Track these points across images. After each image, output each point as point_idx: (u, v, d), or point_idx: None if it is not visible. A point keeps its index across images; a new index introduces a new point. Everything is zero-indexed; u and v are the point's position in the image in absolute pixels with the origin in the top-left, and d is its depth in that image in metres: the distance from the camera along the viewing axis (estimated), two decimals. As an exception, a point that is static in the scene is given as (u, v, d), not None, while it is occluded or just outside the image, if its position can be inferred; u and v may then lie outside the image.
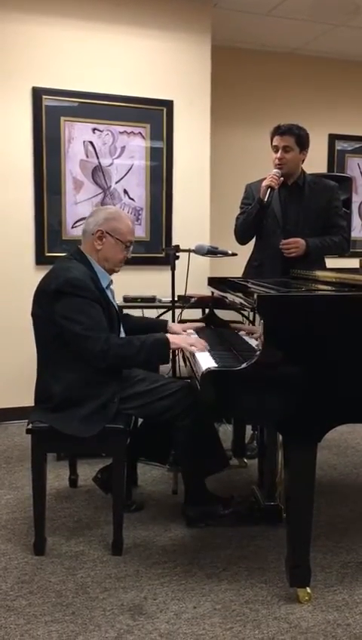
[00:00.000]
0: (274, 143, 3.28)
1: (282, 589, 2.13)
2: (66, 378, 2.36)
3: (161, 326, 2.75)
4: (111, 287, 2.58)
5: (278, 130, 3.25)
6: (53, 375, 2.40)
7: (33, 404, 2.50)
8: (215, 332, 2.95)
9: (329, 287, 2.46)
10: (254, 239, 3.47)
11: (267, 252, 3.36)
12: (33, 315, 2.48)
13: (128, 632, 1.90)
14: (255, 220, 3.31)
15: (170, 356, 2.51)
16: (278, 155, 3.24)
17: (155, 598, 2.09)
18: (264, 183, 3.21)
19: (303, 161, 3.33)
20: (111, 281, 2.58)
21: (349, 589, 2.15)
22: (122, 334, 2.61)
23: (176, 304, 3.12)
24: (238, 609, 2.03)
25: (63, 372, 2.37)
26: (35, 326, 2.48)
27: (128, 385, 2.47)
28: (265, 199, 3.20)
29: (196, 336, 2.67)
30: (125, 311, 2.93)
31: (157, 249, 4.23)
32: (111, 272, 2.57)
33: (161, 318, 3.61)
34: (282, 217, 3.31)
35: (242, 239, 3.45)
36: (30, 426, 2.35)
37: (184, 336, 2.57)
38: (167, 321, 2.84)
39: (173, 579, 2.21)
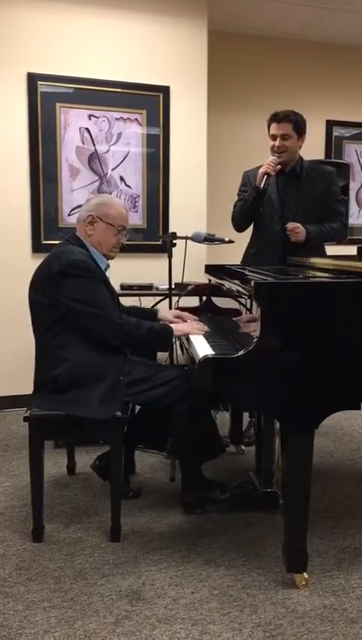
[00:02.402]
0: (271, 132, 3.24)
1: (279, 575, 2.14)
2: (70, 359, 2.37)
3: (152, 314, 2.79)
4: (107, 272, 2.59)
5: (275, 118, 3.22)
6: (55, 358, 2.39)
7: (32, 392, 2.50)
8: (212, 320, 2.95)
9: (327, 275, 2.45)
10: (252, 226, 3.46)
11: (265, 239, 3.35)
12: (32, 301, 2.47)
13: (126, 618, 1.91)
14: (251, 207, 3.29)
15: (171, 345, 2.58)
16: (277, 142, 3.22)
17: (153, 583, 2.10)
18: (261, 170, 3.19)
19: (300, 147, 3.31)
20: (108, 265, 2.60)
21: (346, 574, 2.17)
22: None
23: (174, 292, 3.11)
24: (236, 594, 2.05)
25: (66, 354, 2.38)
26: (34, 312, 2.48)
27: (125, 372, 2.47)
28: (262, 186, 3.18)
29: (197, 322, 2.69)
30: (120, 299, 2.93)
31: (154, 236, 4.21)
32: (106, 257, 2.59)
33: (158, 305, 3.61)
34: (280, 204, 3.30)
35: (239, 226, 3.44)
36: (27, 414, 2.35)
37: (185, 324, 2.60)
38: (158, 310, 2.85)
39: (171, 565, 2.22)
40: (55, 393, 2.37)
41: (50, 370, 2.40)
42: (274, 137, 3.23)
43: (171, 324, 2.55)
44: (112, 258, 2.62)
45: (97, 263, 2.50)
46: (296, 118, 3.22)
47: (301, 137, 3.26)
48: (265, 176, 3.16)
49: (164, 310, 2.85)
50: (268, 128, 3.27)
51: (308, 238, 3.22)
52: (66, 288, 2.35)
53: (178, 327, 2.53)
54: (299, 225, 3.19)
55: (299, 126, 3.23)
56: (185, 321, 2.67)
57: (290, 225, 3.20)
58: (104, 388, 2.35)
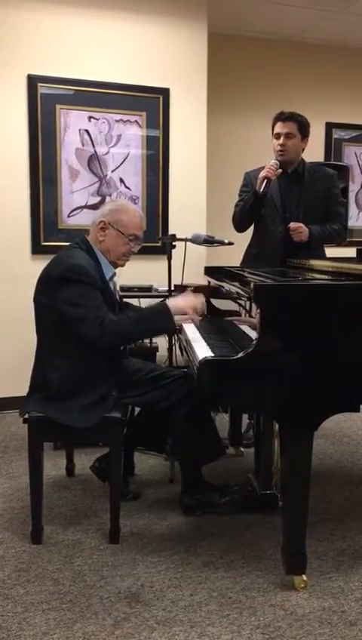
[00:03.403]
0: (276, 130, 3.25)
1: (278, 577, 2.14)
2: (64, 366, 2.36)
3: None
4: (114, 279, 2.57)
5: (281, 117, 3.24)
6: (50, 363, 2.39)
7: (27, 393, 2.49)
8: (212, 321, 2.95)
9: (326, 277, 2.45)
10: (253, 227, 3.46)
11: (266, 240, 3.35)
12: (35, 301, 2.46)
13: (125, 620, 1.91)
14: (251, 209, 3.30)
15: (173, 323, 2.38)
16: (280, 140, 3.23)
17: (152, 585, 2.10)
18: (261, 174, 3.19)
19: (303, 149, 3.32)
20: (115, 273, 2.56)
21: (345, 577, 2.17)
22: None
23: (173, 293, 3.11)
24: (235, 596, 2.04)
25: (61, 360, 2.37)
26: (36, 312, 2.47)
27: (125, 375, 2.47)
28: (261, 190, 3.18)
29: (199, 297, 2.52)
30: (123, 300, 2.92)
31: (154, 238, 4.20)
32: (114, 265, 2.54)
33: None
34: (281, 205, 3.30)
35: (239, 227, 3.45)
36: (27, 416, 2.35)
37: (184, 298, 2.47)
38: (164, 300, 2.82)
39: (170, 567, 2.22)
40: (47, 398, 2.37)
41: (45, 374, 2.40)
42: (278, 136, 3.24)
43: (168, 300, 2.43)
44: (121, 266, 2.57)
45: (102, 272, 2.45)
46: (301, 119, 3.25)
47: (304, 139, 3.28)
48: (265, 181, 3.16)
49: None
50: (272, 128, 3.28)
51: (311, 238, 3.22)
52: (62, 293, 2.33)
53: (174, 304, 2.38)
54: (302, 225, 3.19)
55: (303, 127, 3.25)
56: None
57: (293, 225, 3.19)
58: (91, 399, 2.33)
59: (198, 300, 2.45)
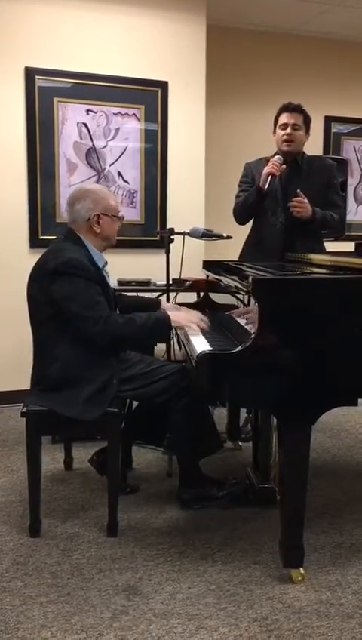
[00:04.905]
0: (283, 120, 3.25)
1: (276, 570, 2.15)
2: (62, 358, 2.36)
3: (154, 305, 2.74)
4: (106, 268, 2.58)
5: (289, 107, 3.24)
6: (49, 355, 2.39)
7: (29, 388, 2.49)
8: (210, 315, 2.94)
9: (325, 271, 2.45)
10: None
11: (267, 230, 3.34)
12: (29, 294, 2.46)
13: (123, 613, 1.92)
14: (252, 205, 3.30)
15: (170, 334, 2.51)
16: (288, 130, 3.22)
17: (150, 578, 2.11)
18: (265, 170, 3.17)
19: (304, 143, 3.32)
20: (106, 262, 2.58)
21: (342, 570, 2.18)
22: None
23: (171, 287, 3.11)
24: (232, 589, 2.05)
25: (59, 352, 2.37)
26: (31, 306, 2.47)
27: (123, 368, 2.47)
28: (266, 187, 3.17)
29: (199, 313, 2.60)
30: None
31: (152, 232, 4.20)
32: (109, 246, 2.58)
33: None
34: (282, 195, 3.29)
35: (241, 220, 3.45)
36: (25, 409, 2.35)
37: (185, 314, 2.55)
38: (160, 301, 2.84)
39: (168, 560, 2.23)
40: (47, 390, 2.37)
41: (44, 367, 2.40)
42: (285, 126, 3.24)
43: (169, 312, 2.50)
44: (114, 244, 2.61)
45: (94, 261, 2.46)
46: (307, 113, 3.27)
47: (307, 132, 3.30)
48: (269, 177, 3.15)
49: (165, 304, 2.82)
50: (275, 120, 3.28)
51: (314, 217, 3.20)
52: (59, 286, 2.33)
53: (176, 318, 2.45)
54: (306, 200, 3.16)
55: (307, 120, 3.28)
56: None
57: (296, 198, 3.15)
58: (93, 389, 2.34)
59: (198, 316, 2.52)
